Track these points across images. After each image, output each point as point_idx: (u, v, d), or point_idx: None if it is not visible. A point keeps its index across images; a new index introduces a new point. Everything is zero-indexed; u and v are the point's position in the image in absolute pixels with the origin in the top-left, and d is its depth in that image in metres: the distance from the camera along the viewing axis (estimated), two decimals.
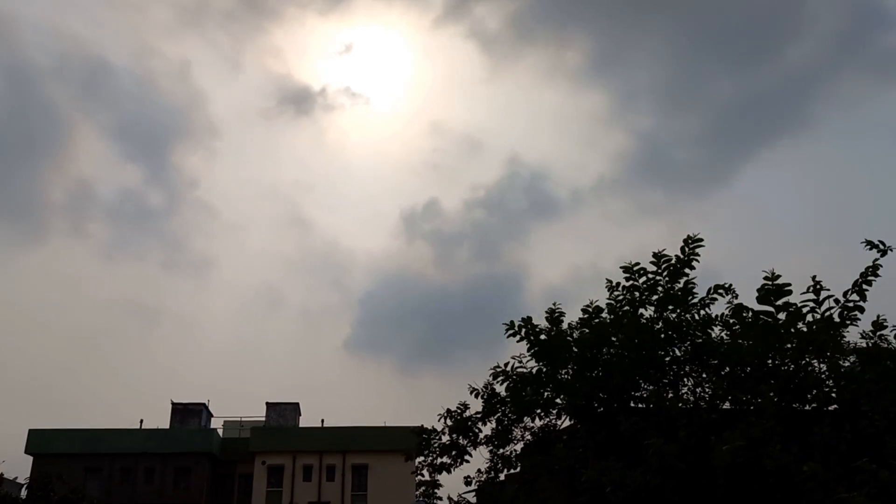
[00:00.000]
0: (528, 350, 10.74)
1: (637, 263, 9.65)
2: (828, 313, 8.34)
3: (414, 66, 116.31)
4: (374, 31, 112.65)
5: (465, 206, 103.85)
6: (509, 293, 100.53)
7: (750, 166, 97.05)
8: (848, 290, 8.33)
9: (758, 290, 8.46)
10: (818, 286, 8.28)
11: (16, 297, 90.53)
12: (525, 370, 10.89)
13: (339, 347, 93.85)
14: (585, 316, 10.33)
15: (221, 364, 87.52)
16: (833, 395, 8.13)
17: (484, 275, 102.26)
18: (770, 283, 8.30)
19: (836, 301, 8.39)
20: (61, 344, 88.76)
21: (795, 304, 8.33)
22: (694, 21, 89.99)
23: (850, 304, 8.31)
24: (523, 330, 10.85)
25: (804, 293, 8.30)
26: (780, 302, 8.37)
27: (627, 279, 9.72)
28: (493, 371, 11.73)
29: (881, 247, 8.15)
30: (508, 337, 10.86)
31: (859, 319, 8.34)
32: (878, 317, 8.75)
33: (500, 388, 12.04)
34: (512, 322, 10.84)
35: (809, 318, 8.29)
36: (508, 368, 11.05)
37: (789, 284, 8.24)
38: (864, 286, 8.30)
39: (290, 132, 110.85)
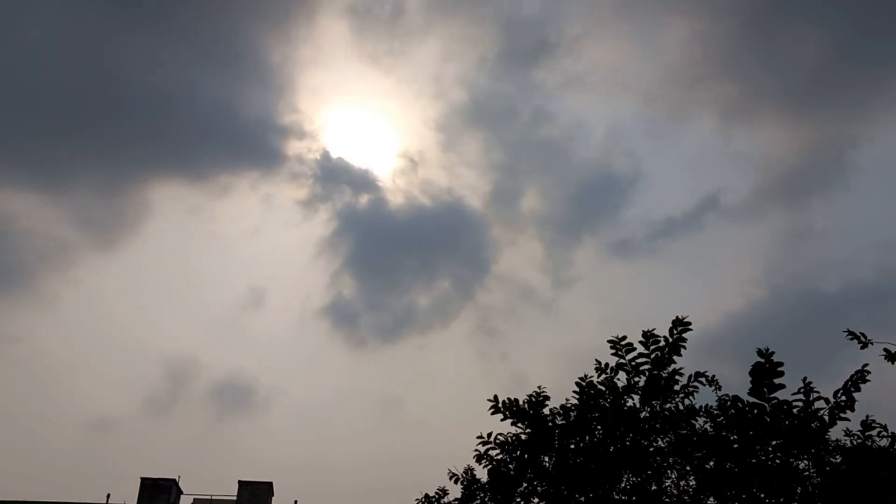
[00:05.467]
0: (513, 425, 10.59)
1: (624, 337, 9.55)
2: (820, 413, 8.21)
3: None
4: None
5: None
6: None
7: None
8: (838, 391, 8.22)
9: (752, 366, 8.11)
10: (809, 387, 8.18)
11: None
12: (508, 441, 10.68)
13: None
14: (576, 396, 10.18)
15: None
16: (817, 492, 7.94)
17: None
18: (764, 360, 8.03)
19: (826, 401, 8.26)
20: None
21: (788, 402, 8.19)
22: None
23: (841, 404, 8.19)
24: (508, 410, 10.71)
25: (795, 394, 8.18)
26: (774, 382, 8.09)
27: (613, 354, 9.60)
28: (476, 453, 11.54)
29: (862, 339, 8.09)
30: (493, 414, 10.70)
31: (848, 420, 8.20)
32: (868, 417, 8.63)
33: (481, 474, 11.82)
34: (496, 397, 10.70)
35: (795, 411, 8.17)
36: (491, 439, 10.87)
37: (781, 363, 7.99)
38: (853, 389, 8.18)
39: None
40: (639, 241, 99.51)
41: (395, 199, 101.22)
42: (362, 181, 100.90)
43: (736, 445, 8.59)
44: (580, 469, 9.95)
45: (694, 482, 9.20)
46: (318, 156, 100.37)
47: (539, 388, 10.94)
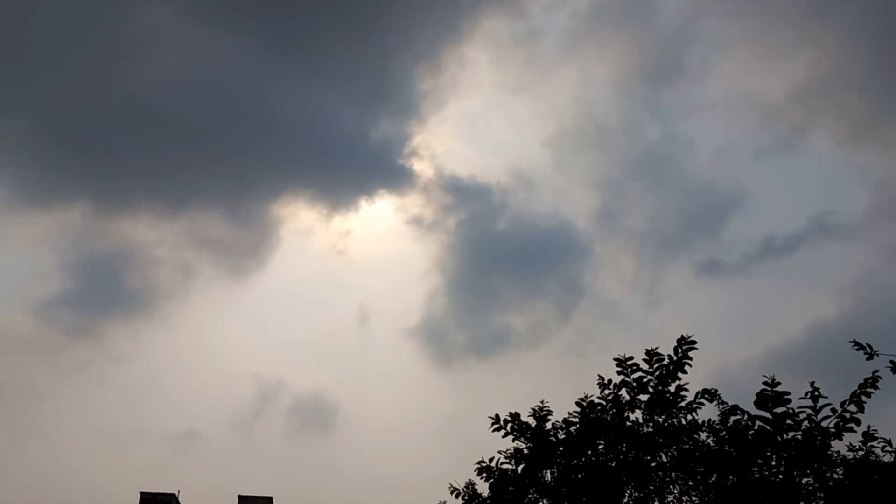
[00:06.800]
0: (514, 443, 10.60)
1: (630, 358, 9.62)
2: (824, 423, 8.17)
3: None
4: None
5: None
6: None
7: None
8: (845, 401, 8.17)
9: (756, 395, 8.30)
10: (816, 393, 8.15)
11: None
12: (510, 466, 10.68)
13: None
14: (578, 411, 10.20)
15: None
16: None
17: None
18: (769, 389, 8.16)
19: (833, 410, 8.18)
20: None
21: (792, 409, 8.17)
22: None
23: (847, 416, 8.13)
24: (509, 425, 10.71)
25: (801, 398, 8.15)
26: (777, 410, 8.20)
27: (619, 373, 9.68)
28: (477, 466, 11.53)
29: (868, 350, 8.06)
30: (494, 431, 10.70)
31: (854, 431, 8.15)
32: (869, 427, 8.57)
33: (482, 488, 11.78)
34: (497, 416, 10.71)
35: (806, 424, 8.13)
36: (493, 464, 10.85)
37: (788, 392, 8.10)
38: (863, 397, 8.12)
39: None
40: (735, 260, 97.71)
41: (509, 218, 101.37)
42: (479, 201, 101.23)
43: (737, 459, 8.56)
44: (582, 484, 9.92)
45: (697, 498, 9.15)
46: (440, 177, 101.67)
47: (542, 402, 10.96)
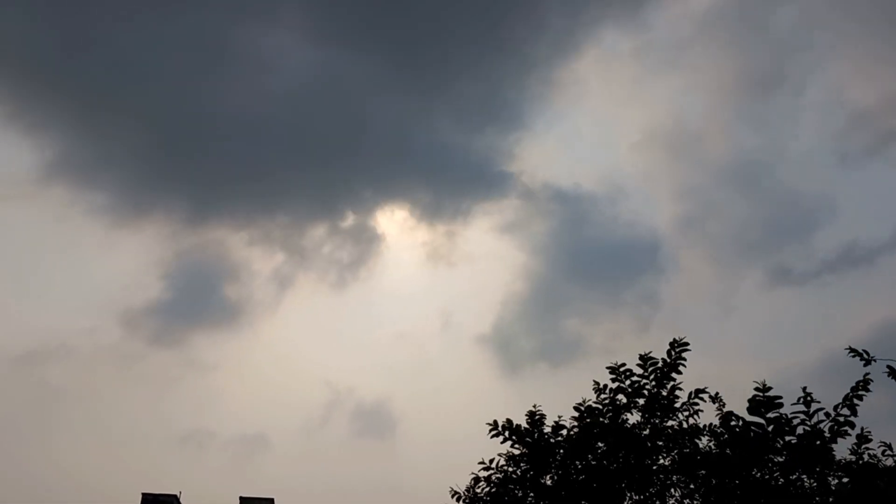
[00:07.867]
0: (513, 447, 10.60)
1: (623, 364, 9.57)
2: (819, 426, 8.15)
3: None
4: None
5: None
6: None
7: None
8: (838, 404, 8.15)
9: (748, 402, 8.30)
10: (809, 398, 8.13)
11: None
12: (509, 470, 10.69)
13: None
14: (577, 415, 10.17)
15: None
16: None
17: None
18: (761, 394, 8.15)
19: (827, 415, 8.16)
20: None
21: (786, 416, 8.15)
22: None
23: (841, 419, 8.11)
24: (507, 431, 10.68)
25: (794, 404, 8.13)
26: (770, 414, 8.19)
27: (613, 380, 9.62)
28: (474, 475, 11.53)
29: (865, 356, 8.01)
30: (492, 437, 10.66)
31: (850, 434, 8.13)
32: (863, 430, 8.54)
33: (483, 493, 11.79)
34: (495, 422, 10.68)
35: (800, 430, 8.10)
36: (494, 465, 10.86)
37: (780, 397, 8.07)
38: (856, 401, 8.12)
39: None
40: (811, 269, 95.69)
41: (598, 227, 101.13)
42: (573, 209, 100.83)
43: (738, 462, 8.52)
44: (582, 487, 9.90)
45: (698, 501, 9.12)
46: (538, 186, 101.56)
47: (534, 406, 10.92)
